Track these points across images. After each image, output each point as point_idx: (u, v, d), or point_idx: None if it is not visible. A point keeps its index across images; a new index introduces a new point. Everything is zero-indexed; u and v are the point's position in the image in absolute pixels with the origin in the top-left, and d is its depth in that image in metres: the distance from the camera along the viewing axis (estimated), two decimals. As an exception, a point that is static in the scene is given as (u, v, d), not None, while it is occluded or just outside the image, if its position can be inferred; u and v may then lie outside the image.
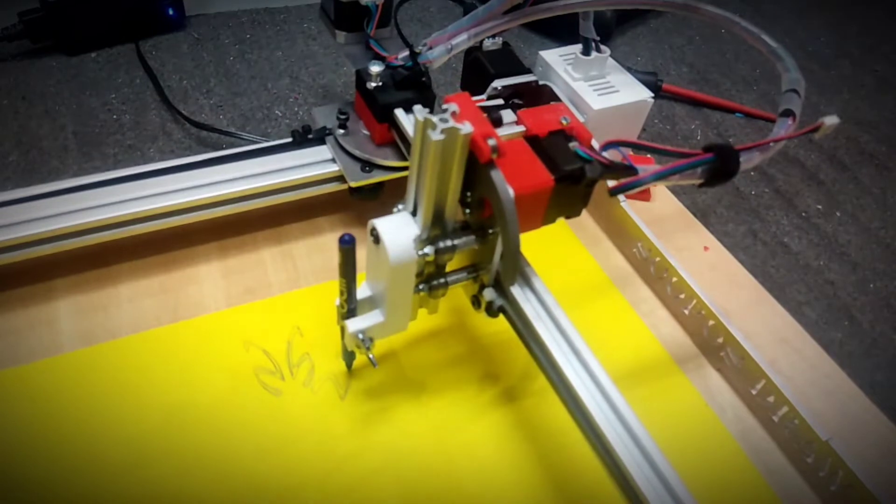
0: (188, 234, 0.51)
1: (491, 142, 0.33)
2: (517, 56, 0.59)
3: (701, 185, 0.37)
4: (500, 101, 0.56)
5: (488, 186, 0.34)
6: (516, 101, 0.56)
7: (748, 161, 0.38)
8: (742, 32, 0.47)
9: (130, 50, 0.70)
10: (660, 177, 0.35)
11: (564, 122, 0.52)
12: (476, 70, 0.59)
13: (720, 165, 0.36)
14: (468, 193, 0.36)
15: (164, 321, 0.46)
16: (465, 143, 0.33)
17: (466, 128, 0.32)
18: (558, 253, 0.55)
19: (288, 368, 0.44)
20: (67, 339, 0.45)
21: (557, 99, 0.57)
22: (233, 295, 0.49)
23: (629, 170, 0.36)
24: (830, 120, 0.38)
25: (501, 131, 0.52)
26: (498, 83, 0.56)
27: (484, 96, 0.56)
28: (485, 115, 0.35)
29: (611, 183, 0.36)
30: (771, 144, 0.38)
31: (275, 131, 0.63)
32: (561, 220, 0.57)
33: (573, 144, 0.36)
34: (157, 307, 0.47)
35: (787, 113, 0.41)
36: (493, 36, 0.59)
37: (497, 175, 0.33)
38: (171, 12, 0.73)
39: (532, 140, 0.37)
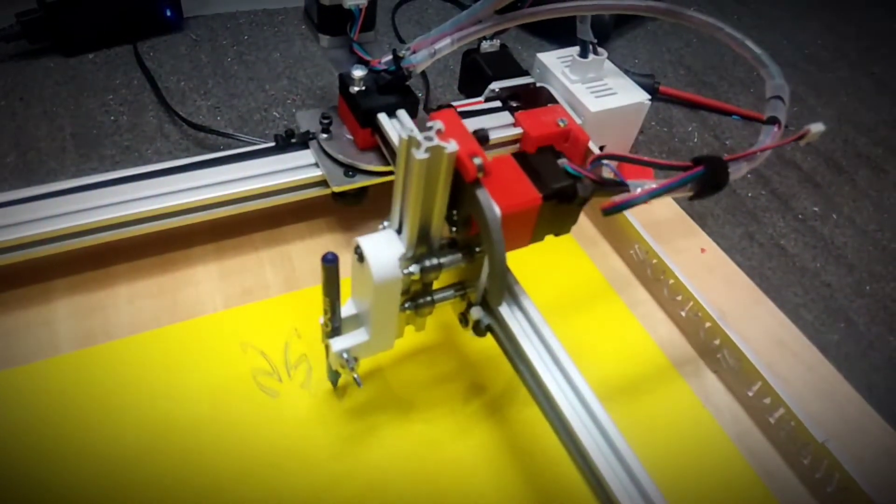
0: (186, 235, 0.51)
1: (477, 160, 0.32)
2: (514, 58, 0.59)
3: (692, 198, 0.37)
4: (498, 103, 0.56)
5: (474, 206, 0.33)
6: (514, 103, 0.56)
7: (736, 171, 0.38)
8: (726, 38, 0.46)
9: (128, 51, 0.70)
10: (654, 195, 0.35)
11: (561, 124, 0.52)
12: (474, 72, 0.59)
13: (710, 178, 0.36)
14: (454, 212, 0.35)
15: (161, 322, 0.46)
16: (450, 161, 0.32)
17: (452, 146, 0.31)
18: (555, 255, 0.55)
19: (285, 370, 0.44)
20: (65, 341, 0.45)
21: (555, 101, 0.57)
22: (230, 296, 0.49)
23: (620, 186, 0.35)
24: (816, 127, 0.38)
25: (499, 132, 0.53)
26: (495, 85, 0.56)
27: (482, 98, 0.56)
28: (471, 133, 0.34)
29: (607, 202, 0.36)
30: (758, 154, 0.38)
31: (272, 133, 0.63)
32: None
33: (562, 161, 0.36)
34: (155, 308, 0.47)
35: (773, 120, 0.41)
36: (491, 38, 0.59)
37: (483, 194, 0.33)
38: (168, 14, 0.73)
39: (520, 157, 0.37)
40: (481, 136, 0.35)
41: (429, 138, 0.31)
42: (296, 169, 0.50)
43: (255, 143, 0.52)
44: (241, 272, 0.50)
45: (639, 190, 0.35)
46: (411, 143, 0.31)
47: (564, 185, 0.35)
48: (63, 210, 0.44)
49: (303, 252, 0.52)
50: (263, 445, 0.41)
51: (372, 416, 0.43)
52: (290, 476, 0.40)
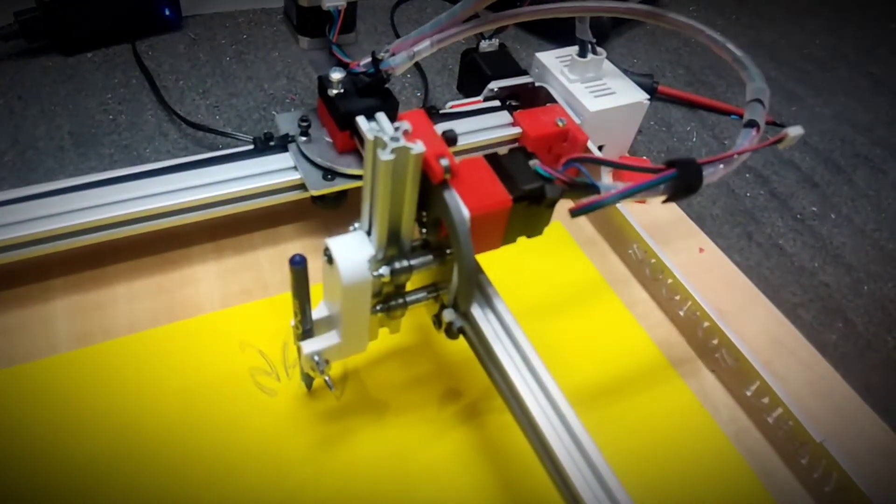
0: (184, 234, 0.51)
1: (443, 162, 0.32)
2: (513, 57, 0.59)
3: (665, 201, 0.36)
4: (497, 103, 0.56)
5: (441, 207, 0.33)
6: (512, 102, 0.56)
7: (712, 174, 0.37)
8: (707, 41, 0.46)
9: (127, 50, 0.70)
10: (623, 196, 0.34)
11: (560, 123, 0.52)
12: (473, 72, 0.59)
13: (682, 181, 0.35)
14: (424, 213, 0.35)
15: (160, 322, 0.46)
16: (416, 162, 0.32)
17: (418, 147, 0.31)
18: (554, 254, 0.55)
19: (284, 369, 0.44)
20: (63, 340, 0.45)
21: (554, 101, 0.57)
22: (229, 295, 0.49)
23: (591, 188, 0.35)
24: (794, 131, 0.37)
25: (497, 132, 0.53)
26: (494, 84, 0.56)
27: (480, 97, 0.57)
28: (439, 133, 0.34)
29: (575, 203, 0.35)
30: (735, 157, 0.38)
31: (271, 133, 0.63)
32: (557, 222, 0.57)
33: (533, 162, 0.36)
34: (154, 308, 0.47)
35: (752, 124, 0.40)
36: (490, 37, 0.59)
37: (450, 195, 0.33)
38: (167, 13, 0.72)
39: (491, 158, 0.37)
40: (449, 138, 0.35)
41: (395, 139, 0.30)
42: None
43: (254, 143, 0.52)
44: (240, 271, 0.50)
45: (604, 192, 0.35)
46: (377, 143, 0.31)
47: (535, 187, 0.35)
48: (61, 209, 0.44)
49: (301, 251, 0.51)
50: (261, 444, 0.41)
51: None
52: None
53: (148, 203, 0.46)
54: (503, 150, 0.53)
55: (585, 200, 0.34)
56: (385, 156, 0.30)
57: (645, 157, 0.58)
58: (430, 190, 0.34)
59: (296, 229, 0.53)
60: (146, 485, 0.39)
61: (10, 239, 0.43)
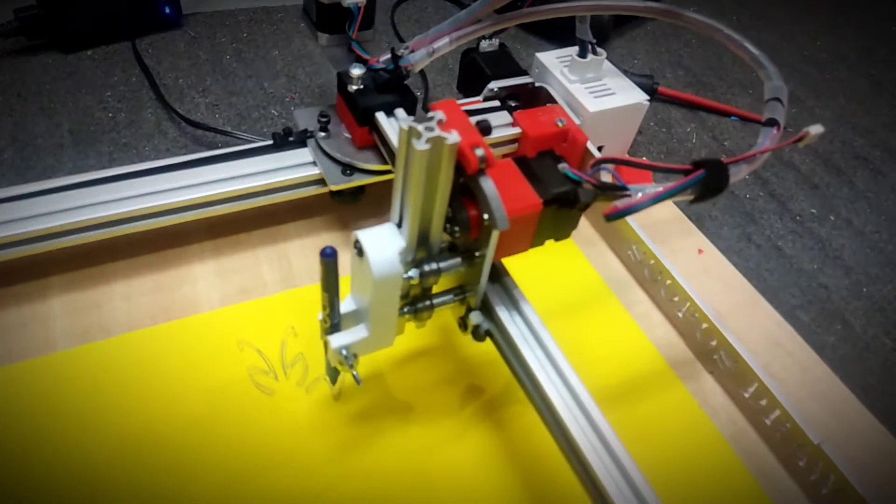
0: (183, 232, 0.51)
1: (479, 151, 0.32)
2: (513, 58, 0.59)
3: (692, 202, 0.36)
4: (497, 103, 0.56)
5: (479, 195, 0.33)
6: (512, 102, 0.56)
7: (736, 174, 0.37)
8: (724, 40, 0.46)
9: (126, 48, 0.70)
10: (656, 201, 0.34)
11: (560, 124, 0.52)
12: (473, 71, 0.59)
13: (711, 181, 0.35)
14: (449, 209, 0.35)
15: (158, 320, 0.46)
16: (451, 153, 0.31)
17: (453, 137, 0.30)
18: (553, 255, 0.55)
19: (282, 368, 0.44)
20: (61, 338, 0.45)
21: (553, 101, 0.57)
22: (227, 294, 0.48)
23: (621, 190, 0.35)
24: (815, 129, 0.37)
25: (497, 132, 0.53)
26: (494, 84, 0.56)
27: (480, 97, 0.56)
28: (473, 123, 0.34)
29: (609, 207, 0.35)
30: (757, 156, 0.38)
31: (271, 131, 0.63)
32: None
33: (562, 166, 0.36)
34: (152, 306, 0.47)
35: (772, 122, 0.40)
36: (490, 37, 0.59)
37: (487, 183, 0.32)
38: (167, 10, 0.72)
39: (520, 161, 0.37)
40: (484, 128, 0.34)
41: (429, 129, 0.30)
42: (293, 167, 0.50)
43: (253, 141, 0.52)
44: (239, 270, 0.50)
45: (640, 195, 0.34)
46: (412, 133, 0.30)
47: (565, 190, 0.35)
48: (60, 207, 0.44)
49: (300, 250, 0.52)
50: (259, 444, 0.41)
51: (369, 420, 0.43)
52: (284, 476, 0.40)
53: (149, 201, 0.46)
54: (503, 151, 0.53)
55: (621, 205, 0.34)
56: (420, 146, 0.30)
57: (644, 159, 0.58)
58: (460, 182, 0.33)
59: (294, 228, 0.53)
60: (144, 482, 0.38)
61: (8, 236, 0.43)
